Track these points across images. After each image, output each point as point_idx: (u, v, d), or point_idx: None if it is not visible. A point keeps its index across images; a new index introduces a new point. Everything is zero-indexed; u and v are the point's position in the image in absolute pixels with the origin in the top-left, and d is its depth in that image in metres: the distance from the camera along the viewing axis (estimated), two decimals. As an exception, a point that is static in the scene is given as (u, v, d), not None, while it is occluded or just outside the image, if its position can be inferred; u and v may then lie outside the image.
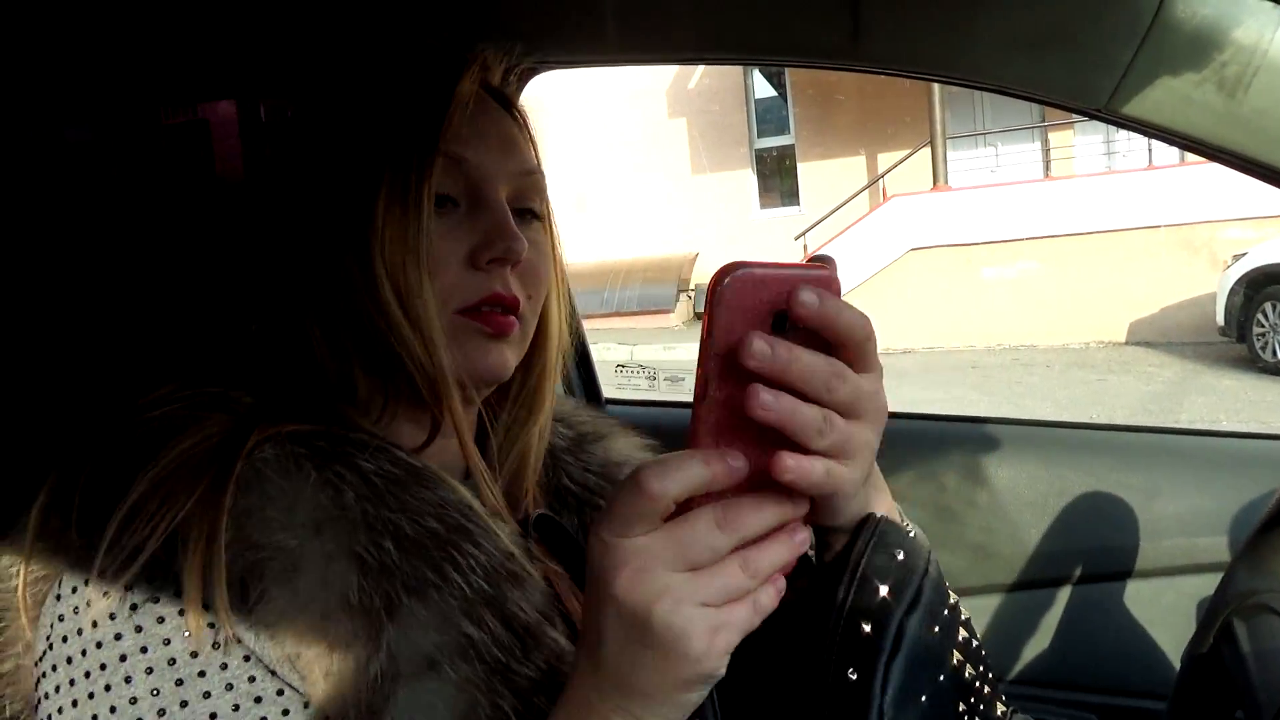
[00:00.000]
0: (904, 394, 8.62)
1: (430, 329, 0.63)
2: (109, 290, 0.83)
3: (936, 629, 0.59)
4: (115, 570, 0.53)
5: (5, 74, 0.87)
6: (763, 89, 14.35)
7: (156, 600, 0.53)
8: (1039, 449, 1.36)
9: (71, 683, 0.54)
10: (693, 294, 13.81)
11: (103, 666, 0.53)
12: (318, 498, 0.57)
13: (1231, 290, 8.43)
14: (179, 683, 0.53)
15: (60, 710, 0.54)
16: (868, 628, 0.57)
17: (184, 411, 0.60)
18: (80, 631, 0.54)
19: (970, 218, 10.82)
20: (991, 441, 1.35)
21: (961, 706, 0.61)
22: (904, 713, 0.56)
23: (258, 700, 0.54)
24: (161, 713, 0.52)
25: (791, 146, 14.15)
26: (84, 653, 0.54)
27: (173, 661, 0.53)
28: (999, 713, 0.64)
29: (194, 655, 0.53)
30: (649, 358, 9.68)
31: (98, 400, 0.65)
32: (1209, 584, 1.02)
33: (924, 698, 0.58)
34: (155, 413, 0.59)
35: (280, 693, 0.54)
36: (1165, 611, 1.27)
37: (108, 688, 0.53)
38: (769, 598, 0.48)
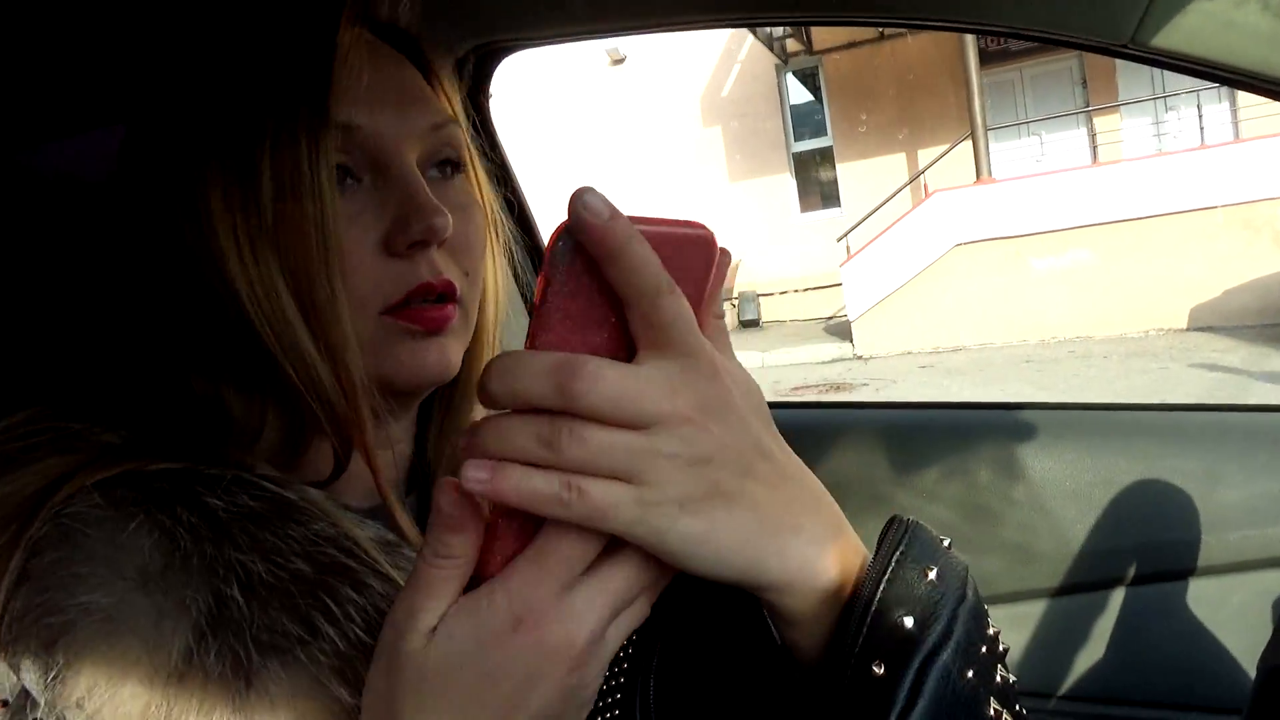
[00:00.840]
0: (958, 392, 8.43)
1: (343, 346, 0.53)
2: None
3: (971, 674, 0.44)
4: None
5: None
6: (797, 93, 14.23)
7: None
8: (1083, 435, 1.23)
9: None
10: (736, 302, 13.71)
11: None
12: (143, 545, 0.47)
13: (1297, 269, 8.09)
14: None
15: None
16: (880, 669, 0.43)
17: (15, 449, 0.50)
18: None
19: (1017, 209, 10.56)
20: (1028, 429, 1.22)
21: None
22: None
23: None
24: None
25: (829, 148, 14.00)
26: None
27: None
28: None
29: None
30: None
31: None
32: (1284, 580, 0.91)
33: None
34: None
35: None
36: (1235, 613, 1.13)
37: None
38: None
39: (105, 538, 0.46)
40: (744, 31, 13.10)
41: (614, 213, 0.37)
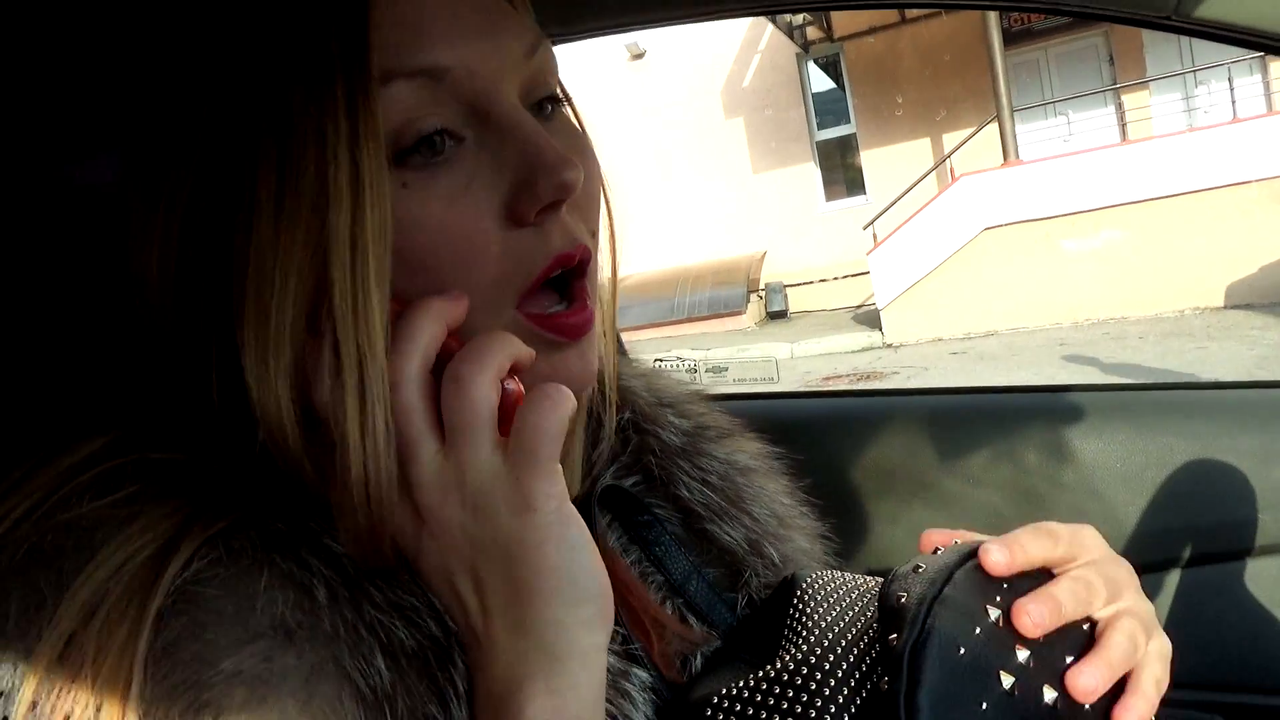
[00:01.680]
0: (991, 378, 8.35)
1: (374, 406, 0.43)
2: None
3: (962, 651, 0.47)
4: None
5: None
6: (819, 81, 14.13)
7: None
8: (1132, 416, 1.20)
9: None
10: (764, 293, 13.66)
11: None
12: (275, 599, 0.41)
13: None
14: None
15: None
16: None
17: (107, 511, 0.43)
18: None
19: (1046, 191, 10.42)
20: (1076, 412, 1.20)
21: None
22: None
23: None
24: None
25: (853, 135, 13.90)
26: None
27: None
28: None
29: None
30: (723, 359, 9.59)
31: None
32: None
33: None
34: (69, 514, 0.43)
35: None
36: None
37: None
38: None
39: (233, 595, 0.41)
40: (763, 20, 13.03)
41: None
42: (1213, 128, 10.44)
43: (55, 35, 0.70)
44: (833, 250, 13.70)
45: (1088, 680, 0.48)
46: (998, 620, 0.50)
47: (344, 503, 0.44)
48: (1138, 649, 0.50)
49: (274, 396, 0.44)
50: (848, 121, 13.94)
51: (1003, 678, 0.47)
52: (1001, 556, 0.49)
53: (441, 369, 0.46)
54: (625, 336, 1.00)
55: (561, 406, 0.44)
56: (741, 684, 0.54)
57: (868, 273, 11.71)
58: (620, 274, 0.63)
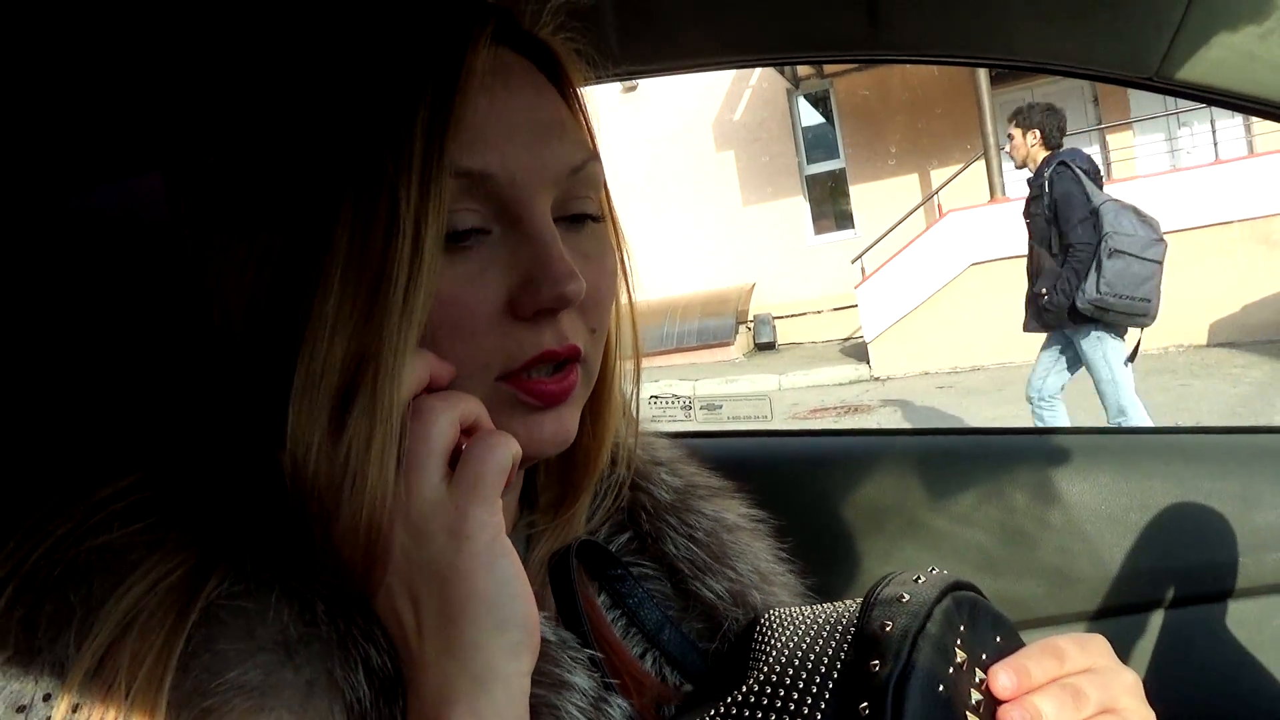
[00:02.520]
0: (977, 412, 8.38)
1: (377, 458, 0.47)
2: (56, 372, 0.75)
3: (941, 689, 0.49)
4: None
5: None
6: (809, 116, 14.28)
7: None
8: (1117, 459, 1.23)
9: None
10: (752, 325, 13.71)
11: None
12: (283, 615, 0.46)
13: (1317, 283, 8.02)
14: None
15: None
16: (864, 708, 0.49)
17: (136, 538, 0.47)
18: None
19: (1032, 228, 10.52)
20: (1063, 453, 1.23)
21: None
22: None
23: None
24: None
25: (842, 170, 14.02)
26: None
27: None
28: None
29: None
30: (711, 392, 9.60)
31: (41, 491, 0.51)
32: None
33: None
34: (101, 539, 0.47)
35: None
36: (1277, 635, 1.13)
37: None
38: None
39: (244, 613, 0.45)
40: (755, 57, 13.15)
41: None
42: (1196, 168, 10.58)
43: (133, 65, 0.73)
44: (821, 283, 13.78)
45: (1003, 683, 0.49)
46: (962, 663, 0.52)
47: (344, 533, 0.48)
48: None
49: (307, 430, 0.48)
50: (837, 157, 14.07)
51: (968, 717, 0.49)
52: (1009, 681, 0.49)
53: None
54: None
55: (504, 448, 0.49)
56: (712, 712, 0.55)
57: (855, 306, 11.77)
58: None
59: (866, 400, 9.59)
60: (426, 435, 0.48)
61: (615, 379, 0.66)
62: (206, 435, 0.54)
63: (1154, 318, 4.85)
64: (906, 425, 8.14)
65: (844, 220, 14.11)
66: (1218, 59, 0.88)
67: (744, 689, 0.55)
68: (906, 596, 0.53)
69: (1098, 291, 4.64)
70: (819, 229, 14.29)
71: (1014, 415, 7.82)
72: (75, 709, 0.42)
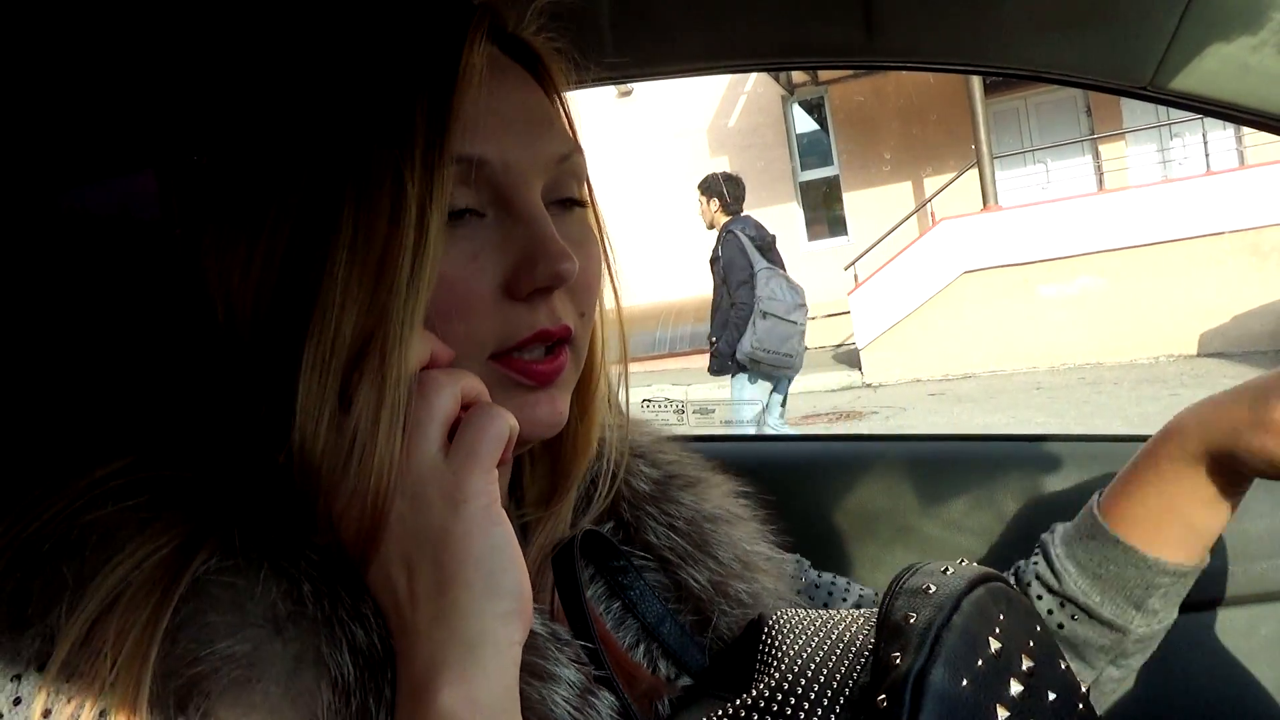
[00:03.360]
0: (968, 420, 8.41)
1: (381, 422, 0.49)
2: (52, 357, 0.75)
3: (965, 682, 0.49)
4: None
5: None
6: (803, 122, 14.33)
7: None
8: (1109, 466, 1.23)
9: None
10: (744, 330, 13.72)
11: None
12: (271, 592, 0.47)
13: (1307, 294, 8.07)
14: None
15: None
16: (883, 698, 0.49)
17: (129, 514, 0.48)
18: None
19: (1024, 236, 10.59)
20: (1054, 460, 1.23)
21: None
22: None
23: None
24: None
25: (836, 177, 14.09)
26: None
27: None
28: None
29: None
30: (703, 396, 9.61)
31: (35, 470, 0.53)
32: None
33: None
34: (94, 514, 0.48)
35: None
36: (1264, 644, 1.13)
37: None
38: None
39: (233, 588, 0.46)
40: (750, 63, 13.20)
41: None
42: (1187, 179, 10.66)
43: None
44: (814, 289, 13.73)
45: None
46: (997, 652, 0.51)
47: (348, 504, 0.49)
48: None
49: (316, 405, 0.50)
50: (831, 163, 14.13)
51: (999, 711, 0.49)
52: None
53: None
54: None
55: (501, 419, 0.50)
56: (719, 713, 0.55)
57: (848, 312, 11.80)
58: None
59: (858, 407, 9.61)
60: (429, 404, 0.49)
61: (600, 369, 0.67)
62: (200, 419, 0.55)
63: (797, 369, 5.68)
64: (898, 431, 8.16)
65: (837, 227, 14.16)
66: (1211, 69, 0.88)
67: (753, 694, 0.55)
68: (933, 588, 0.53)
69: (750, 346, 5.36)
70: (812, 235, 14.35)
71: (1005, 422, 7.85)
72: (63, 679, 0.43)
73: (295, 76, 0.56)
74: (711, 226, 6.03)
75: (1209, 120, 11.56)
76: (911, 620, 0.51)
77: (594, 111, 14.17)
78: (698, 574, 0.69)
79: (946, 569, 0.56)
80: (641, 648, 0.66)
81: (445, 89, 0.52)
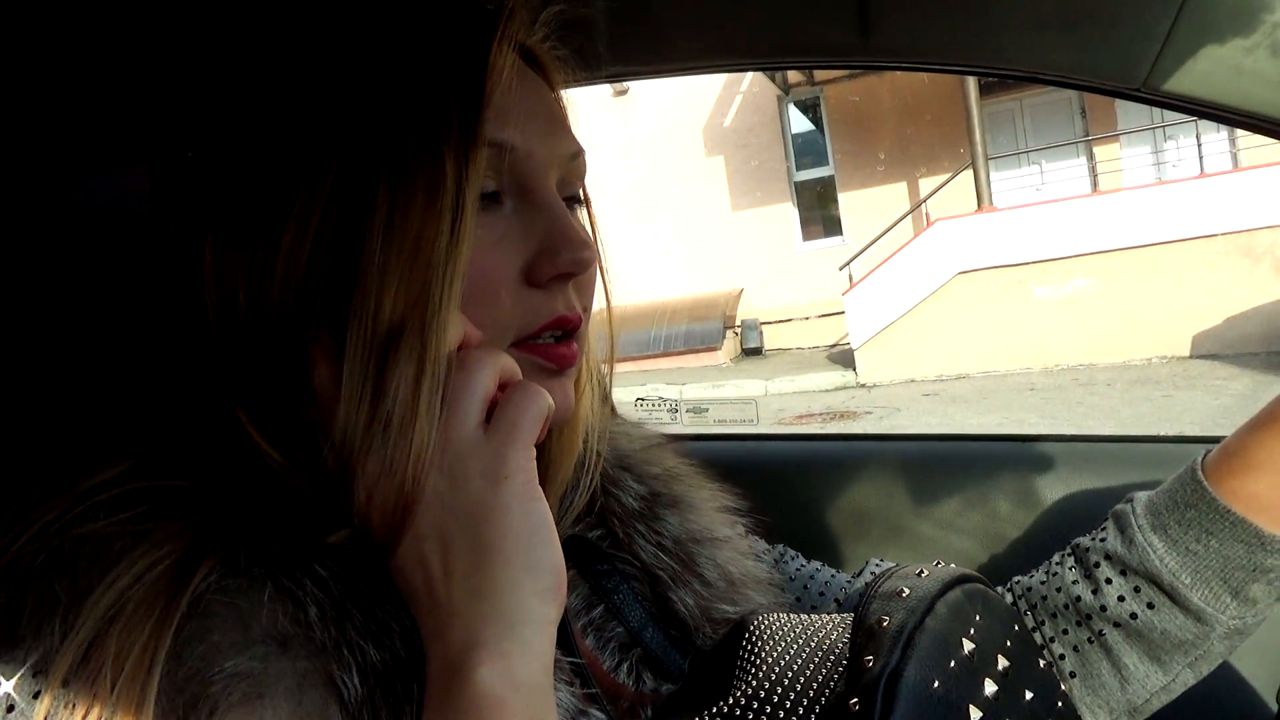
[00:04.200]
0: (961, 419, 8.43)
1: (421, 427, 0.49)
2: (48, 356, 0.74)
3: (937, 684, 0.49)
4: None
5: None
6: (799, 122, 14.34)
7: None
8: (1101, 467, 1.24)
9: None
10: (739, 330, 13.74)
11: None
12: (276, 614, 0.46)
13: (1299, 296, 8.11)
14: None
15: None
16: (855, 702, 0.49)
17: (124, 526, 0.47)
18: None
19: (1018, 237, 10.61)
20: (1047, 461, 1.23)
21: None
22: None
23: None
24: None
25: (831, 177, 14.10)
26: None
27: None
28: None
29: None
30: (697, 396, 9.61)
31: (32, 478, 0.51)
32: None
33: None
34: (87, 527, 0.46)
35: None
36: (1254, 644, 1.13)
37: None
38: None
39: (237, 606, 0.45)
40: (746, 63, 13.20)
41: None
42: (1181, 181, 10.68)
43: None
44: (809, 289, 13.83)
45: None
46: (971, 653, 0.52)
47: (382, 483, 0.48)
48: None
49: (360, 385, 0.49)
50: (826, 163, 14.14)
51: (972, 712, 0.49)
52: None
53: None
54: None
55: (541, 397, 0.51)
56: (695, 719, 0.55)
57: (843, 312, 11.82)
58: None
59: (852, 407, 9.62)
60: (469, 381, 0.50)
61: (586, 367, 0.68)
62: (199, 424, 0.54)
63: None
64: (892, 432, 8.17)
65: (832, 227, 14.17)
66: (1204, 71, 0.88)
67: (731, 700, 0.55)
68: (907, 591, 0.54)
69: None
70: (807, 235, 14.35)
71: (999, 423, 7.86)
72: (60, 703, 0.42)
73: (324, 62, 0.56)
74: None
75: (1203, 122, 11.60)
76: (885, 624, 0.51)
77: (590, 109, 14.12)
78: (685, 596, 0.69)
79: (922, 572, 0.57)
80: (624, 667, 0.66)
81: (478, 76, 0.53)
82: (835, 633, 0.60)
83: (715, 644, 0.67)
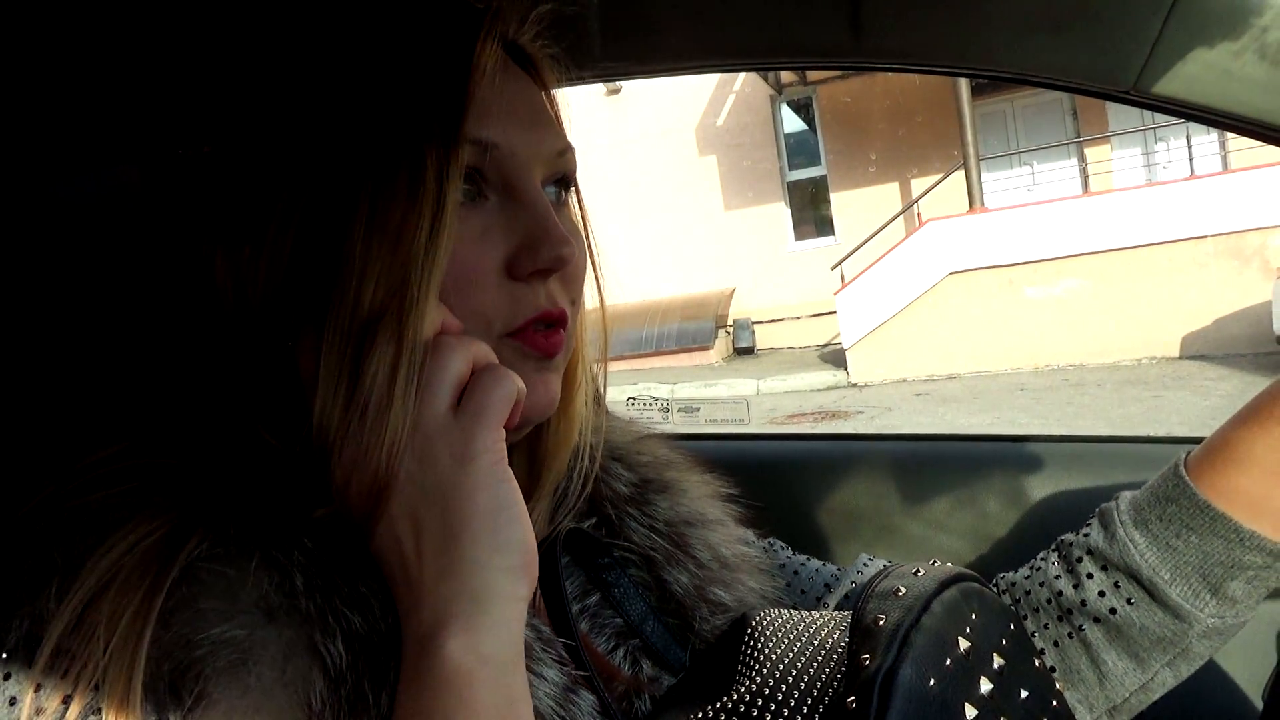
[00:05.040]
0: (952, 419, 8.46)
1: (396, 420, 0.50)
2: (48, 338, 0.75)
3: (932, 682, 0.50)
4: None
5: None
6: (792, 122, 14.36)
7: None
8: (1090, 467, 1.25)
9: None
10: (731, 329, 13.76)
11: None
12: (263, 583, 0.48)
13: (1287, 298, 8.16)
14: None
15: None
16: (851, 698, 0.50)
17: (118, 499, 0.49)
18: None
19: (1009, 238, 10.65)
20: (1036, 461, 1.24)
21: None
22: None
23: None
24: None
25: (824, 177, 14.12)
26: None
27: None
28: None
29: None
30: (689, 395, 9.62)
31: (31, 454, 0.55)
32: (1289, 609, 0.92)
33: None
34: (86, 498, 0.49)
35: None
36: (1241, 642, 1.14)
37: None
38: None
39: (225, 576, 0.47)
40: (738, 62, 13.22)
41: None
42: (1171, 183, 10.73)
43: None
44: (801, 289, 13.86)
45: None
46: (967, 651, 0.52)
47: (358, 465, 0.50)
48: None
49: (337, 371, 0.51)
50: (819, 163, 14.16)
51: (967, 710, 0.50)
52: None
53: None
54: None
55: (509, 380, 0.52)
56: (699, 715, 0.56)
57: (834, 312, 11.85)
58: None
59: (844, 406, 9.64)
60: (441, 365, 0.51)
61: (580, 364, 0.68)
62: (192, 406, 0.56)
63: None
64: (883, 431, 8.18)
65: (824, 227, 14.20)
66: (1194, 74, 0.89)
67: (734, 696, 0.55)
68: (903, 590, 0.54)
69: None
70: (799, 235, 14.38)
71: (989, 423, 7.89)
72: (55, 659, 0.44)
73: (309, 60, 0.57)
74: None
75: (1193, 125, 11.65)
76: (881, 622, 0.52)
77: (583, 109, 14.16)
78: (680, 575, 0.70)
79: (918, 571, 0.57)
80: (621, 650, 0.66)
81: (461, 74, 0.54)
82: (836, 632, 0.60)
83: (717, 639, 0.68)
